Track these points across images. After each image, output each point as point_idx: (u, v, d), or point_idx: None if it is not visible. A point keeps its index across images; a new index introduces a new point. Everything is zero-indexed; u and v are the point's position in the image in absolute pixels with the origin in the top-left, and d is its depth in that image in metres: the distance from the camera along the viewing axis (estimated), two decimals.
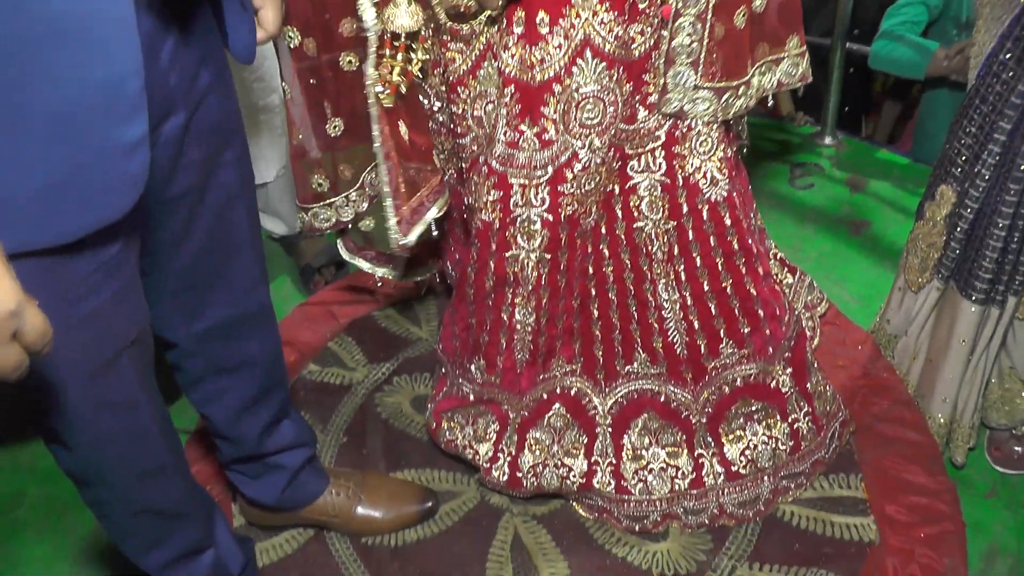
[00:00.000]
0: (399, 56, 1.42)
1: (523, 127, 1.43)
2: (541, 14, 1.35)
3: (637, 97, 1.46)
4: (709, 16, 1.40)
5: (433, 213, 1.53)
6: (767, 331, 1.62)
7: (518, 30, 1.38)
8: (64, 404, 1.06)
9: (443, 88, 1.56)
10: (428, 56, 1.47)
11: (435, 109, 1.61)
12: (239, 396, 1.45)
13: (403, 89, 1.45)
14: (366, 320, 2.30)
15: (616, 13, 1.37)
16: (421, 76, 1.48)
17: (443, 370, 1.85)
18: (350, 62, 1.62)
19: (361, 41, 1.52)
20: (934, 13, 2.67)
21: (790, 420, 1.70)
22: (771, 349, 1.64)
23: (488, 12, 1.39)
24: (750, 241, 1.55)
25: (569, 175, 1.46)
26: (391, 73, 1.42)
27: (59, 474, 1.22)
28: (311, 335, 2.25)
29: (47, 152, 0.88)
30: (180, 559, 1.38)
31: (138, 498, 1.24)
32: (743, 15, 1.45)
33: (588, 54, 1.38)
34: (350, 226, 1.86)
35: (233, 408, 1.46)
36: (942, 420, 1.86)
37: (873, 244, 2.61)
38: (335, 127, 1.70)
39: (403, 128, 1.51)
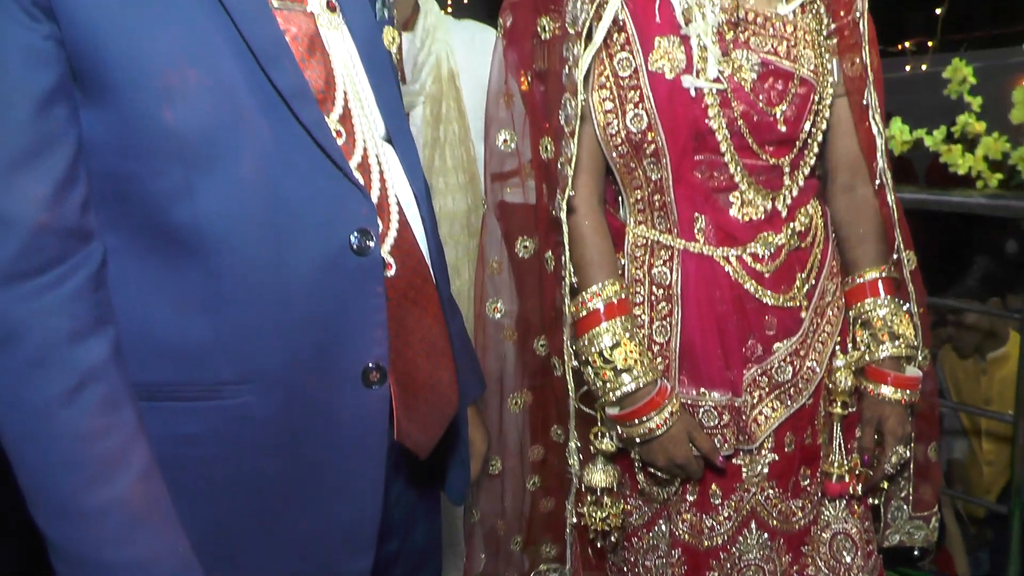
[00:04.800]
0: (598, 506, 1.51)
1: None
2: (714, 487, 1.50)
3: (795, 567, 1.53)
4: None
5: None
6: None
7: (691, 498, 1.51)
8: None
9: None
10: (617, 508, 1.53)
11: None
12: None
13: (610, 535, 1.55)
14: None
15: (781, 490, 1.50)
16: (618, 527, 1.55)
17: None
18: (534, 482, 1.70)
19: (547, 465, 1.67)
20: None
21: None
22: None
23: (679, 480, 1.50)
24: None
25: None
26: (593, 519, 1.51)
27: None
28: None
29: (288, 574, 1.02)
30: None
31: None
32: (934, 449, 1.68)
33: (753, 525, 1.50)
34: None
35: None
36: None
37: None
38: (516, 543, 1.75)
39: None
